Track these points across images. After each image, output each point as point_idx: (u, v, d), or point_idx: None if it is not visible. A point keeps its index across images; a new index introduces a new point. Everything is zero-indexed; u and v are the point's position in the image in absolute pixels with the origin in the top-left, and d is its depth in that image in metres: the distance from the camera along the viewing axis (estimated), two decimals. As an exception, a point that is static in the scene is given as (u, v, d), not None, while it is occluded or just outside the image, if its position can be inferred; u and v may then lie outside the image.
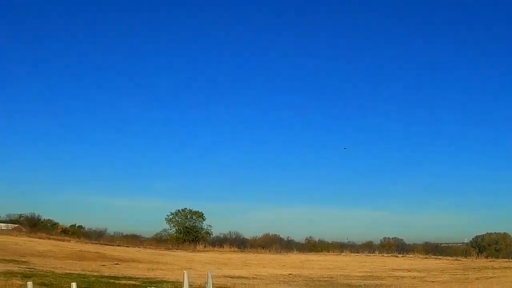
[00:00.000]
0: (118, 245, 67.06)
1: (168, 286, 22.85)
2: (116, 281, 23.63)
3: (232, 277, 30.38)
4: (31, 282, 15.01)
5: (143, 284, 22.07)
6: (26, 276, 22.26)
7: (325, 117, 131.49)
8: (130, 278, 23.44)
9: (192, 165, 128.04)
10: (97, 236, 79.13)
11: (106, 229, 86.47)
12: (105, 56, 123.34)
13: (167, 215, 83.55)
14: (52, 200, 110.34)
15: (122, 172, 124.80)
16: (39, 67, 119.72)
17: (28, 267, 28.84)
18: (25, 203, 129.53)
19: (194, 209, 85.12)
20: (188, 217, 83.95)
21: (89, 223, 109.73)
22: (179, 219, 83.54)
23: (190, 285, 17.14)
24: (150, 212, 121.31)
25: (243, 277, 31.10)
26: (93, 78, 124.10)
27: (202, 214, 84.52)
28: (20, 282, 20.04)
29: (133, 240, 78.34)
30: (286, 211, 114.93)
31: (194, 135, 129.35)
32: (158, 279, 25.79)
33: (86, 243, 67.28)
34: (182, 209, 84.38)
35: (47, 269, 28.64)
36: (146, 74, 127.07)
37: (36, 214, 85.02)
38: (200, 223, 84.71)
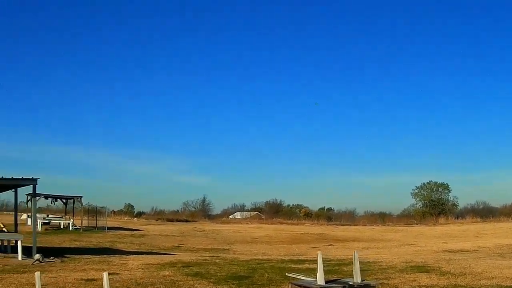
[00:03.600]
0: (349, 225, 62.48)
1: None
2: (294, 265, 17.21)
3: (449, 251, 25.75)
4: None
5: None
6: (190, 266, 16.91)
7: None
8: (313, 261, 16.86)
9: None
10: (347, 217, 78.17)
11: (355, 209, 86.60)
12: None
13: (412, 190, 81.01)
14: (297, 185, 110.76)
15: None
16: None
17: (217, 254, 24.33)
18: (270, 190, 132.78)
19: (439, 181, 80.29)
20: (434, 189, 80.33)
21: (339, 205, 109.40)
22: (425, 193, 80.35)
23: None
24: (397, 189, 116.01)
25: (463, 250, 26.00)
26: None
27: (448, 186, 79.67)
28: (166, 273, 14.75)
29: (380, 218, 75.32)
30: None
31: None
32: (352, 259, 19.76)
33: (320, 224, 64.72)
34: (427, 182, 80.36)
35: (238, 256, 23.70)
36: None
37: (278, 200, 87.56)
38: (446, 195, 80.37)
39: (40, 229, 35.81)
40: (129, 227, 46.42)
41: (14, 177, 17.30)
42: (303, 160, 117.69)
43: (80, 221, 40.76)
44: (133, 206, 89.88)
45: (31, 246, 17.75)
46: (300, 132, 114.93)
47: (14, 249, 18.34)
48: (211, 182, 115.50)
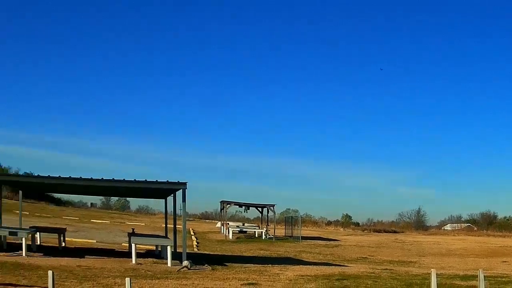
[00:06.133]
0: None
1: None
2: (461, 282, 14.10)
3: None
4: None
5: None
6: (345, 279, 15.10)
7: None
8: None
9: None
10: None
11: None
12: None
13: None
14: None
15: None
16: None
17: (396, 267, 21.76)
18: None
19: None
20: None
21: None
22: None
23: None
24: None
25: None
26: None
27: None
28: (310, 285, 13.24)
29: None
30: None
31: None
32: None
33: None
34: None
35: (416, 269, 20.86)
36: None
37: (492, 212, 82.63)
38: None
39: (231, 238, 36.52)
40: (328, 237, 45.37)
41: (158, 181, 17.24)
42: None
43: (273, 230, 40.74)
44: (351, 217, 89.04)
45: (193, 253, 17.54)
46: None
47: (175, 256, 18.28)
48: (434, 193, 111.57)
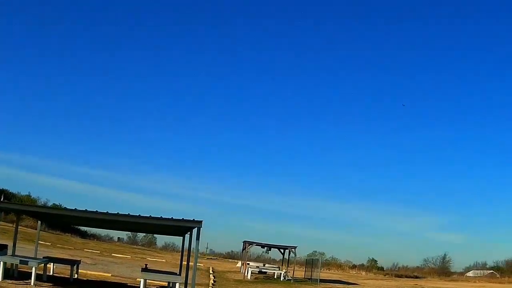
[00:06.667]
0: None
1: None
2: None
3: None
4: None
5: None
6: None
7: None
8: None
9: None
10: None
11: None
12: None
13: None
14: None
15: None
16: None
17: None
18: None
19: None
20: None
21: None
22: None
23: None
24: None
25: None
26: None
27: None
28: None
29: None
30: None
31: None
32: None
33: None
34: None
35: None
36: None
37: None
38: None
39: (249, 278, 36.07)
40: (347, 281, 44.42)
41: (174, 218, 17.28)
42: None
43: (292, 271, 40.12)
44: (376, 261, 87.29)
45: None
46: None
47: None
48: (462, 239, 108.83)
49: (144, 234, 79.02)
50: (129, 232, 77.96)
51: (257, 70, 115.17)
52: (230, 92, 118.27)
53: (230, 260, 66.93)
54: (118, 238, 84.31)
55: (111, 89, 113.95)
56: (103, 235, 73.73)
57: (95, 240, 66.24)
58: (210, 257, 71.60)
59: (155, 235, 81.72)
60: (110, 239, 78.07)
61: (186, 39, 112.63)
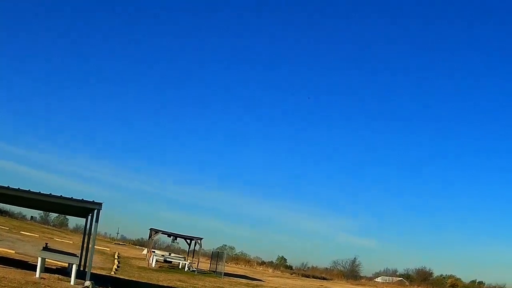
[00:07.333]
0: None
1: None
2: None
3: None
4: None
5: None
6: None
7: None
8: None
9: None
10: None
11: (505, 285, 75.39)
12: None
13: None
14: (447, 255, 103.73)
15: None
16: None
17: None
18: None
19: None
20: None
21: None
22: None
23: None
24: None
25: None
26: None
27: None
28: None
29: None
30: None
31: None
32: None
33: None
34: None
35: None
36: None
37: (428, 268, 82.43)
38: None
39: (154, 266, 37.31)
40: (253, 277, 45.97)
41: (74, 198, 17.79)
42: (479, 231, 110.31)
43: (197, 263, 41.49)
44: (286, 260, 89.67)
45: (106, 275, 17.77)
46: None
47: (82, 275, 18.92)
48: (374, 244, 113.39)
49: (57, 214, 78.00)
50: (41, 212, 76.79)
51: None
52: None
53: (139, 247, 67.41)
54: (32, 217, 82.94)
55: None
56: (16, 212, 72.40)
57: (7, 216, 65.02)
58: (119, 242, 71.83)
59: (67, 216, 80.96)
60: (23, 217, 76.61)
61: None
